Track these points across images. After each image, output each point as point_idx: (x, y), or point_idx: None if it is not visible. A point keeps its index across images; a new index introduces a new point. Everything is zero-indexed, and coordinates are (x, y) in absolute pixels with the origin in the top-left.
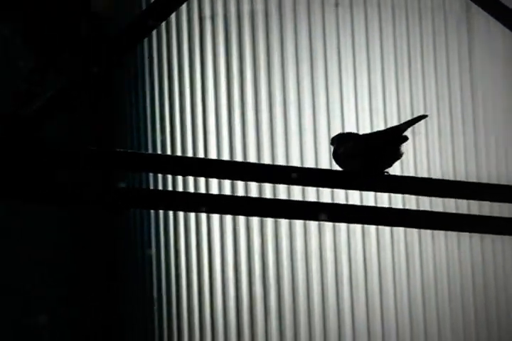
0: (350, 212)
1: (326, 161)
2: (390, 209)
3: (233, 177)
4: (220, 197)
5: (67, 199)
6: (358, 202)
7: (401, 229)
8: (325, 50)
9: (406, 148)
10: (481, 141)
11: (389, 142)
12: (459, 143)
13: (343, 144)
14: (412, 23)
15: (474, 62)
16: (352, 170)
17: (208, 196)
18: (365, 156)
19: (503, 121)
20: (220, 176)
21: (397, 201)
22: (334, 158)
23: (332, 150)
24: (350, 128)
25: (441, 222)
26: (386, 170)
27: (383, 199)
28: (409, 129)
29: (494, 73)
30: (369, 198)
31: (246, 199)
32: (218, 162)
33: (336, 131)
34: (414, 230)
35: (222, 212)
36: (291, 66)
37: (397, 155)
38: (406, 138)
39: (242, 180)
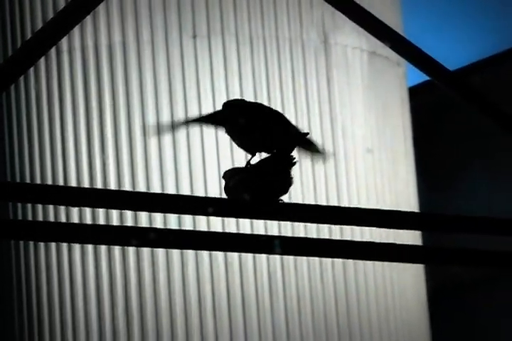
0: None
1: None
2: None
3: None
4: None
5: None
6: (248, 231)
7: (264, 258)
8: (184, 81)
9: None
10: (341, 169)
11: (279, 167)
12: (319, 171)
13: (234, 177)
14: (270, 53)
15: (333, 91)
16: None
17: (70, 226)
18: (257, 187)
19: (362, 148)
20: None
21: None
22: (226, 192)
23: (224, 184)
24: (210, 157)
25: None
26: (280, 197)
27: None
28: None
29: (352, 101)
30: (259, 227)
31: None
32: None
33: (197, 160)
34: (277, 259)
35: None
36: (150, 97)
37: (289, 181)
38: (294, 162)
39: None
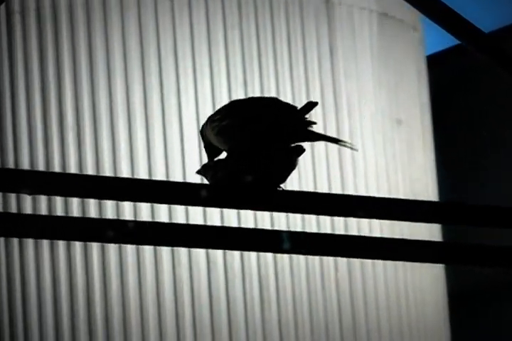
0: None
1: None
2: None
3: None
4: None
5: None
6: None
7: (254, 263)
8: (158, 45)
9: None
10: (346, 153)
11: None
12: (320, 156)
13: (222, 169)
14: (262, 16)
15: (336, 60)
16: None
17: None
18: (258, 172)
19: (370, 128)
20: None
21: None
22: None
23: (208, 178)
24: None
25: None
26: (280, 185)
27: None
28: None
29: (360, 72)
30: (248, 219)
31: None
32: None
33: (191, 137)
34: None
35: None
36: (119, 64)
37: (291, 167)
38: (303, 150)
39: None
